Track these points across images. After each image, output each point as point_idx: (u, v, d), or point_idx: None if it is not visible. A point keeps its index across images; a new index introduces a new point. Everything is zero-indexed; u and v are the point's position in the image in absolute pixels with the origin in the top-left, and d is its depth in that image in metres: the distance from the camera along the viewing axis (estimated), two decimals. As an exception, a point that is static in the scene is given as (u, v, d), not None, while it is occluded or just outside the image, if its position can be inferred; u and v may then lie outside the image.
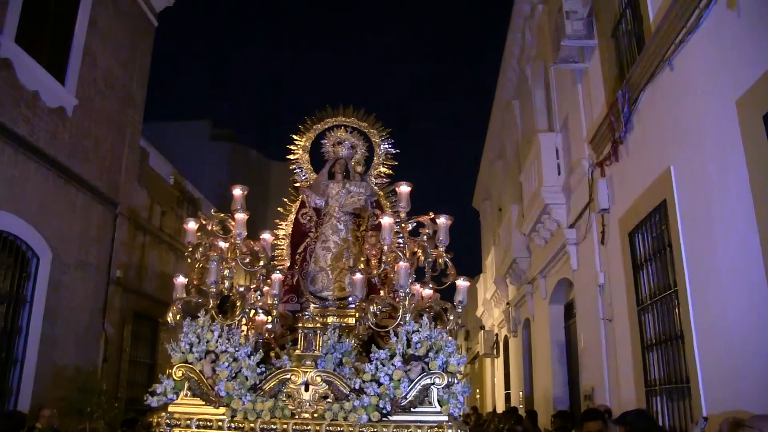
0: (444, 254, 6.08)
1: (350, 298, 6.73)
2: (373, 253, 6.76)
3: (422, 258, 6.15)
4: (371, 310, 5.94)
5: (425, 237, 6.16)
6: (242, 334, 5.86)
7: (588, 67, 10.14)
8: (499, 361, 21.96)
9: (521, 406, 15.95)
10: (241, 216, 6.13)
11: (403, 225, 6.19)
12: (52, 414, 8.13)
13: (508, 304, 18.55)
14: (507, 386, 20.13)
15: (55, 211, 10.64)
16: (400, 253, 5.89)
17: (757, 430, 4.13)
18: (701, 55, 6.23)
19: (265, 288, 6.64)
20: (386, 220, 5.97)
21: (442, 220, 6.07)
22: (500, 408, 20.24)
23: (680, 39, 6.57)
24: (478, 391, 28.15)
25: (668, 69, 6.96)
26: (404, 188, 6.10)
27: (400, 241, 6.36)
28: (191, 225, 6.24)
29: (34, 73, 10.08)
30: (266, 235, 6.74)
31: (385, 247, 6.02)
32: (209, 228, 6.36)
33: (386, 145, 8.04)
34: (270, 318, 6.58)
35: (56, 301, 10.52)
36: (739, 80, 5.38)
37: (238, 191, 6.25)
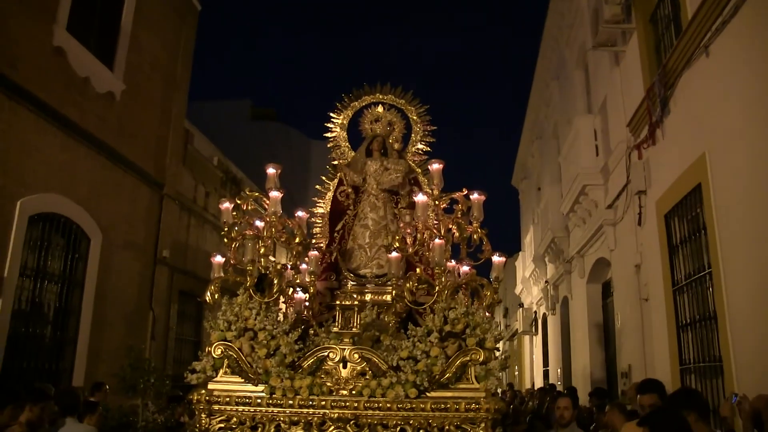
0: (479, 230, 5.99)
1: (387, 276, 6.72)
2: (409, 231, 6.63)
3: (457, 234, 6.04)
4: (408, 287, 5.95)
5: (459, 214, 6.08)
6: (280, 311, 5.96)
7: (626, 50, 10.17)
8: (538, 339, 22.11)
9: (559, 383, 16.10)
10: (275, 194, 6.10)
11: (436, 202, 6.14)
12: (105, 391, 8.49)
13: (546, 282, 18.66)
14: (545, 363, 20.29)
15: (104, 194, 11.03)
16: (434, 230, 5.93)
17: None
18: (736, 43, 6.31)
19: (303, 266, 6.67)
20: (420, 198, 5.98)
21: (476, 196, 6.01)
22: (538, 385, 20.44)
23: (717, 26, 6.64)
24: (516, 368, 28.34)
25: (704, 55, 7.03)
26: (436, 166, 6.14)
27: (435, 218, 6.27)
28: (226, 205, 6.20)
29: (85, 60, 10.43)
30: (301, 213, 6.79)
31: (420, 225, 6.04)
32: (244, 207, 6.35)
33: (424, 122, 7.95)
34: (308, 295, 6.64)
35: (106, 281, 10.93)
36: (773, 69, 5.47)
37: (271, 170, 6.22)
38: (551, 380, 18.10)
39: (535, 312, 22.26)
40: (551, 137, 17.89)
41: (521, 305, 24.68)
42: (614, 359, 11.64)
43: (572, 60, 14.48)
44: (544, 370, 20.53)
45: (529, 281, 22.77)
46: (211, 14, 15.41)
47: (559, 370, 17.05)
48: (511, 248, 26.13)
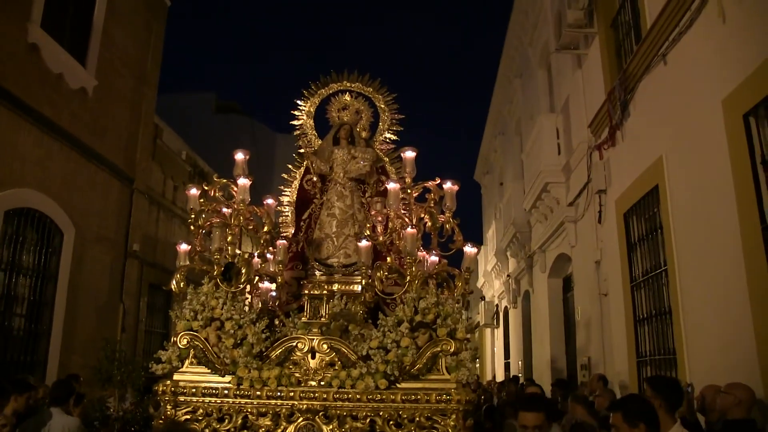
0: (451, 220, 5.91)
1: (356, 265, 6.62)
2: (379, 219, 6.51)
3: (429, 224, 5.94)
4: (378, 276, 5.83)
5: (432, 203, 5.98)
6: (246, 300, 5.78)
7: (588, 53, 10.56)
8: (499, 332, 22.56)
9: (521, 375, 16.53)
10: (243, 181, 5.88)
11: (409, 191, 6.01)
12: (80, 383, 8.64)
13: (508, 276, 19.07)
14: (507, 356, 20.74)
15: (77, 189, 11.15)
16: (406, 219, 5.80)
17: (732, 395, 4.69)
18: (692, 54, 6.71)
19: (269, 256, 6.56)
20: (392, 186, 5.82)
21: (449, 186, 5.91)
22: (500, 377, 20.91)
23: (674, 37, 7.05)
24: (478, 360, 28.77)
25: (662, 63, 7.44)
26: (409, 153, 5.95)
27: (406, 207, 6.11)
28: (193, 192, 6.05)
29: (59, 56, 10.54)
30: (269, 200, 6.59)
31: (392, 213, 5.92)
32: (211, 194, 6.17)
33: (392, 111, 7.81)
34: (275, 285, 6.50)
35: (79, 274, 11.08)
36: (725, 81, 5.86)
37: (240, 156, 5.96)
38: (512, 372, 18.55)
39: (497, 305, 22.69)
40: (514, 134, 18.27)
41: (483, 298, 25.11)
42: (575, 351, 12.07)
43: (535, 59, 14.85)
44: (505, 363, 20.98)
45: (491, 275, 23.20)
46: (176, 6, 15.37)
47: (520, 363, 17.49)
48: (474, 242, 26.49)
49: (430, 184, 6.09)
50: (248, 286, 6.07)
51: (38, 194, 10.02)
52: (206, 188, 6.18)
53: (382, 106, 7.78)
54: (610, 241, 9.35)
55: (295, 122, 7.83)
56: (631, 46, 8.75)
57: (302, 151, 7.71)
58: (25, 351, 9.83)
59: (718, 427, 4.68)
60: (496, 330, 23.52)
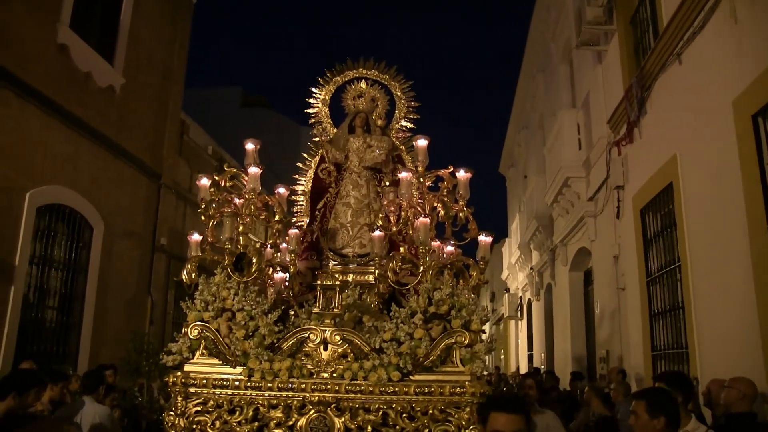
0: (465, 209, 5.74)
1: (370, 255, 6.45)
2: (392, 209, 6.40)
3: (443, 213, 5.76)
4: (391, 266, 5.69)
5: (445, 191, 5.78)
6: (257, 290, 5.58)
7: (608, 50, 10.65)
8: (523, 324, 22.71)
9: (543, 366, 16.68)
10: (254, 170, 5.76)
11: (421, 179, 5.87)
12: (112, 373, 8.95)
13: (531, 269, 19.22)
14: (530, 348, 20.88)
15: (106, 185, 11.43)
16: (419, 209, 5.72)
17: (735, 389, 4.83)
18: (705, 54, 6.82)
19: (282, 245, 6.43)
20: (404, 175, 5.70)
21: (462, 174, 5.71)
22: (523, 368, 21.06)
23: (688, 36, 7.15)
24: (502, 351, 28.95)
25: (678, 63, 7.53)
26: (421, 142, 5.83)
27: (419, 196, 6.01)
28: (204, 181, 5.91)
29: (87, 56, 10.80)
30: (281, 190, 6.42)
31: (404, 203, 5.82)
32: (222, 184, 5.99)
33: (408, 98, 7.60)
34: (288, 275, 6.38)
35: (108, 268, 11.37)
36: (736, 82, 5.97)
37: (250, 145, 5.85)
38: (535, 364, 18.68)
39: (521, 297, 22.83)
40: (537, 128, 18.38)
41: (507, 290, 25.27)
42: (594, 344, 12.19)
43: (558, 54, 14.95)
44: (528, 354, 21.13)
45: (515, 267, 23.33)
46: (201, 2, 15.67)
47: (542, 354, 17.63)
48: (498, 234, 26.63)
49: (442, 172, 5.87)
50: (261, 276, 5.93)
51: (68, 191, 10.31)
52: (217, 178, 6.00)
53: (399, 93, 7.61)
54: (628, 236, 9.46)
55: (310, 110, 7.66)
56: (649, 43, 8.83)
57: (317, 139, 7.52)
58: (57, 342, 10.14)
59: (722, 421, 4.81)
60: (520, 322, 23.68)
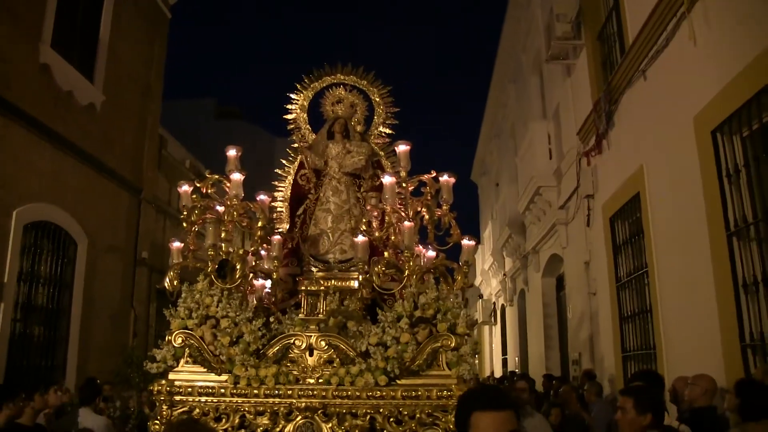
0: (449, 213, 5.78)
1: (352, 261, 6.51)
2: (375, 214, 6.35)
3: (426, 218, 5.77)
4: (376, 271, 5.63)
5: (429, 196, 5.82)
6: (239, 296, 5.66)
7: (576, 63, 11.06)
8: (497, 329, 23.10)
9: (517, 370, 17.04)
10: (237, 176, 5.79)
11: (404, 184, 5.86)
12: (110, 387, 9.18)
13: (504, 275, 19.62)
14: (504, 352, 21.29)
15: (89, 201, 11.62)
16: (402, 213, 5.74)
17: (698, 386, 5.22)
18: (668, 72, 7.23)
19: (263, 252, 6.44)
20: (388, 180, 5.73)
21: (445, 178, 5.77)
22: (498, 373, 21.43)
23: (652, 54, 7.56)
24: (477, 356, 29.33)
25: (643, 79, 7.94)
26: (403, 147, 5.82)
27: (402, 201, 6.02)
28: (185, 188, 5.90)
29: (68, 74, 11.00)
30: (263, 196, 6.32)
31: (388, 208, 5.84)
32: (204, 191, 5.98)
33: (387, 104, 7.58)
34: (270, 282, 6.45)
35: (92, 283, 11.57)
36: (696, 99, 6.37)
37: (232, 152, 5.87)
38: (510, 368, 19.08)
39: (494, 303, 23.23)
40: (509, 137, 18.79)
41: (481, 296, 25.66)
42: (567, 347, 12.60)
43: (528, 65, 15.36)
44: (503, 359, 21.53)
45: (488, 273, 23.75)
46: (174, 13, 15.72)
47: (516, 359, 18.03)
48: (471, 235, 26.90)
49: (425, 177, 5.89)
50: (244, 283, 5.97)
51: (54, 208, 10.50)
52: (198, 185, 5.99)
53: (377, 99, 7.55)
54: (598, 243, 9.87)
55: (288, 116, 7.57)
56: (616, 58, 9.22)
57: (296, 145, 7.49)
58: (45, 356, 10.31)
59: (687, 415, 5.19)
60: (493, 327, 24.08)
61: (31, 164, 9.96)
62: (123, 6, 12.98)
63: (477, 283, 26.53)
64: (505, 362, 21.02)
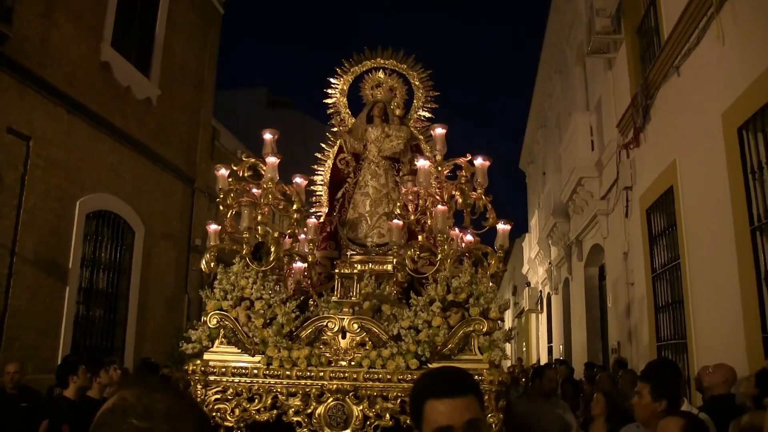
0: (483, 197, 5.70)
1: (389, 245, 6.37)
2: (410, 198, 6.30)
3: (461, 201, 5.74)
4: (409, 255, 5.67)
5: (463, 180, 5.79)
6: (275, 280, 5.63)
7: (617, 57, 11.23)
8: (543, 317, 23.28)
9: (562, 358, 17.25)
10: (272, 159, 5.74)
11: (439, 168, 5.89)
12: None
13: (550, 263, 19.79)
14: (549, 340, 21.47)
15: (145, 191, 12.25)
16: (437, 197, 5.72)
17: (718, 374, 5.47)
18: (700, 69, 7.42)
19: (301, 236, 6.47)
20: (422, 163, 5.69)
21: (480, 162, 5.70)
22: (544, 360, 21.65)
23: (685, 51, 7.75)
24: (524, 344, 29.55)
25: (677, 75, 8.13)
26: (439, 130, 5.84)
27: (437, 184, 6.01)
28: (222, 172, 5.92)
29: (126, 71, 11.61)
30: (299, 179, 6.35)
31: (422, 191, 5.79)
32: (240, 174, 6.01)
33: (427, 88, 7.50)
34: (306, 264, 6.42)
35: (148, 269, 12.22)
36: (724, 96, 6.58)
37: (268, 135, 5.85)
38: (555, 356, 19.26)
39: (541, 291, 23.39)
40: (554, 126, 18.90)
41: (528, 284, 25.83)
42: (607, 336, 12.82)
43: (572, 57, 15.47)
44: (548, 347, 21.70)
45: (534, 262, 23.90)
46: (226, 7, 16.25)
47: (561, 347, 18.22)
48: (519, 229, 27.16)
49: (460, 160, 5.87)
50: (282, 266, 6.02)
51: (113, 197, 11.13)
52: (235, 168, 6.02)
53: (417, 83, 7.47)
54: (636, 234, 10.08)
55: (328, 100, 7.56)
56: (655, 52, 9.38)
57: (335, 129, 7.47)
58: (105, 338, 11.01)
59: (707, 403, 5.46)
60: (540, 315, 24.25)
61: (93, 156, 10.57)
62: (178, 4, 13.53)
63: (524, 271, 26.69)
64: (550, 350, 21.19)
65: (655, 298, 9.14)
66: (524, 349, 29.62)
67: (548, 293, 21.29)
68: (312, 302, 5.89)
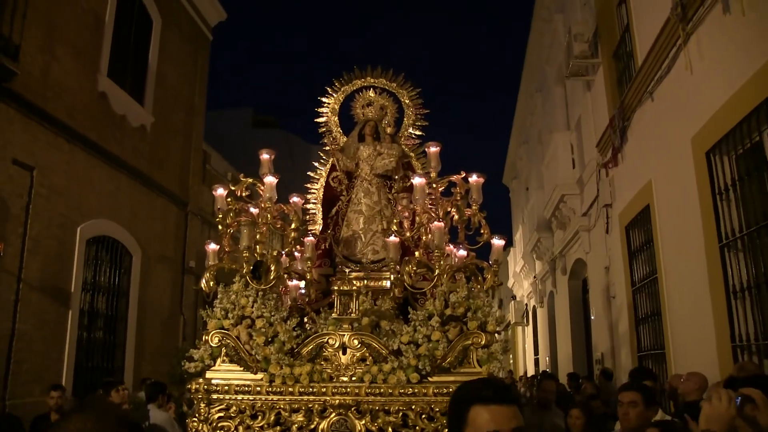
0: (478, 213, 5.82)
1: (384, 261, 6.58)
2: (406, 214, 6.38)
3: (456, 217, 5.84)
4: (407, 270, 5.71)
5: (458, 196, 5.89)
6: (274, 297, 5.74)
7: (595, 79, 11.71)
8: (529, 330, 23.72)
9: (548, 370, 17.66)
10: (270, 179, 5.83)
11: (434, 185, 5.96)
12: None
13: (535, 277, 20.25)
14: (536, 352, 21.90)
15: (141, 215, 12.61)
16: (433, 214, 5.82)
17: (691, 382, 5.88)
18: (671, 96, 7.90)
19: (297, 254, 6.55)
20: (418, 181, 5.81)
21: (475, 178, 5.82)
22: (530, 372, 22.06)
23: (657, 78, 8.22)
24: (511, 356, 29.95)
25: (650, 99, 8.60)
26: (433, 148, 5.97)
27: (432, 201, 6.10)
28: (220, 191, 5.95)
29: (122, 100, 11.99)
30: (296, 198, 6.43)
31: (418, 208, 5.91)
32: (238, 194, 6.09)
33: (417, 106, 7.65)
34: (304, 282, 6.53)
35: (146, 291, 12.55)
36: (694, 122, 7.03)
37: (265, 155, 5.92)
38: (541, 368, 19.69)
39: (526, 304, 23.84)
40: (537, 143, 19.39)
41: (514, 297, 26.29)
42: (591, 348, 13.26)
43: (552, 76, 15.95)
44: (534, 359, 22.13)
45: (520, 275, 24.36)
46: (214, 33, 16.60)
47: (547, 359, 18.65)
48: (501, 234, 27.41)
49: (455, 177, 5.97)
50: (279, 284, 6.08)
51: (111, 223, 11.49)
52: (233, 188, 6.10)
53: (407, 101, 7.63)
54: (616, 249, 10.54)
55: (319, 119, 7.69)
56: (630, 75, 9.86)
57: (328, 148, 7.63)
58: (105, 359, 11.32)
59: (681, 409, 5.87)
60: (526, 328, 24.69)
61: (92, 184, 10.93)
62: (169, 32, 13.98)
63: (509, 284, 27.13)
64: (537, 362, 21.62)
65: (636, 310, 9.57)
66: (511, 361, 30.01)
67: (534, 306, 21.73)
68: (307, 320, 6.10)
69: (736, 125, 6.15)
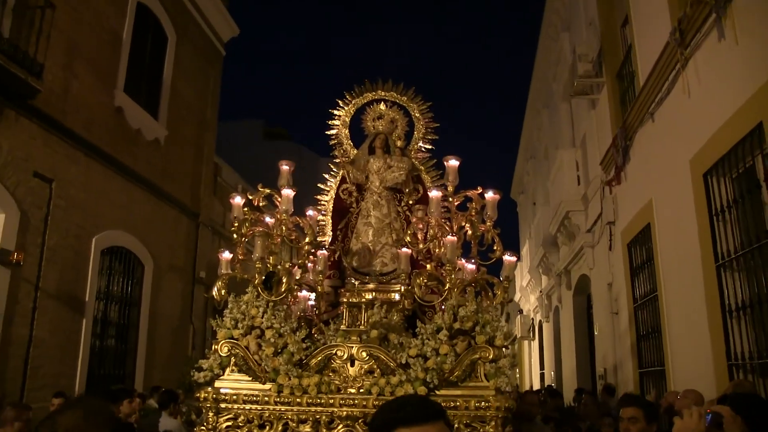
0: (492, 229, 5.87)
1: (395, 272, 6.59)
2: (420, 227, 6.44)
3: (470, 232, 5.87)
4: (417, 282, 5.76)
5: (474, 212, 5.92)
6: (284, 308, 5.81)
7: (599, 98, 11.95)
8: (535, 344, 23.86)
9: (553, 384, 17.83)
10: (287, 192, 5.85)
11: (451, 199, 5.99)
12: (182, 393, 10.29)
13: (541, 292, 20.43)
14: (542, 366, 22.04)
15: (154, 226, 12.88)
16: (446, 227, 5.85)
17: (687, 399, 6.07)
18: (670, 118, 8.13)
19: (309, 264, 6.57)
20: (435, 194, 5.86)
21: (491, 195, 5.87)
22: (536, 386, 22.20)
23: (658, 100, 8.46)
24: (518, 370, 30.03)
25: (651, 120, 8.83)
26: (453, 162, 5.93)
27: (447, 215, 6.17)
28: (237, 200, 5.97)
29: (137, 114, 12.28)
30: (311, 212, 6.56)
31: (432, 221, 5.94)
32: (255, 203, 6.12)
33: (427, 119, 7.65)
34: (314, 294, 6.57)
35: (157, 300, 12.82)
36: (692, 144, 7.26)
37: (285, 167, 5.92)
38: (547, 382, 19.85)
39: (533, 319, 23.99)
40: (543, 158, 19.62)
41: (521, 312, 26.42)
42: (595, 363, 13.44)
43: (559, 93, 16.16)
44: (540, 373, 22.27)
45: (526, 290, 24.54)
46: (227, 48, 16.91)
47: (552, 373, 18.81)
48: (512, 251, 27.55)
49: (471, 193, 5.99)
50: (290, 296, 6.10)
51: (125, 234, 11.76)
52: (250, 197, 6.12)
53: (417, 115, 7.64)
54: (618, 266, 10.74)
55: (330, 132, 7.73)
56: (634, 95, 10.08)
57: (338, 160, 7.64)
58: (117, 366, 11.59)
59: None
60: (532, 342, 24.83)
61: (107, 196, 11.21)
62: (183, 48, 14.29)
63: (516, 298, 27.26)
64: (542, 376, 21.76)
65: (638, 326, 9.77)
66: (517, 375, 30.08)
67: (540, 321, 21.87)
68: (317, 330, 6.16)
69: (731, 149, 6.37)
